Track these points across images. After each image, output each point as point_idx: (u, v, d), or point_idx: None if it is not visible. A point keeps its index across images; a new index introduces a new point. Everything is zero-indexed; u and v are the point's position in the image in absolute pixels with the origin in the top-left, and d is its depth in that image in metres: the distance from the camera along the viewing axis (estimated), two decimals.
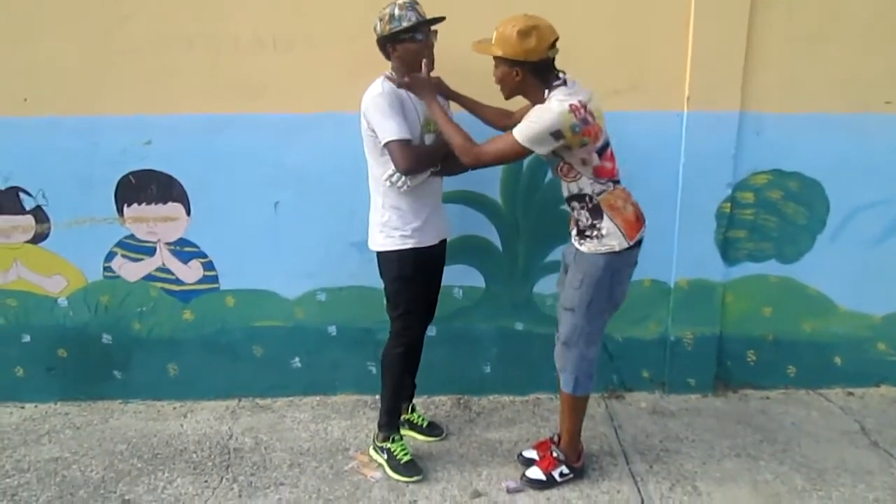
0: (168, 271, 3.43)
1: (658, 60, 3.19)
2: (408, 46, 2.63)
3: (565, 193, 2.63)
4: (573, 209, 2.63)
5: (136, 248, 3.40)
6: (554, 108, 2.38)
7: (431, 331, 3.36)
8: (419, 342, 2.98)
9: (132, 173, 3.29)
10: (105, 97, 3.20)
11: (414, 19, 2.58)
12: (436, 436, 3.21)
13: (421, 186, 2.73)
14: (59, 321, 3.49)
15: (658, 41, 3.17)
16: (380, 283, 2.89)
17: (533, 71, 2.44)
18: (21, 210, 3.34)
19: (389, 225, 2.75)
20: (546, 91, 2.46)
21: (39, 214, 3.35)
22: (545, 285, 3.45)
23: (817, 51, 3.21)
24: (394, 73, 2.71)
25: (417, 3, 2.63)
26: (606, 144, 2.53)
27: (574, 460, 2.86)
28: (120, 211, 3.35)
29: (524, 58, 2.41)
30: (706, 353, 3.53)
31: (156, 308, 3.48)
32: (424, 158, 2.67)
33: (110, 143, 3.25)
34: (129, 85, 3.19)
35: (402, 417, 3.17)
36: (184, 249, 3.40)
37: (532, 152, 2.46)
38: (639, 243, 2.63)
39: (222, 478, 2.94)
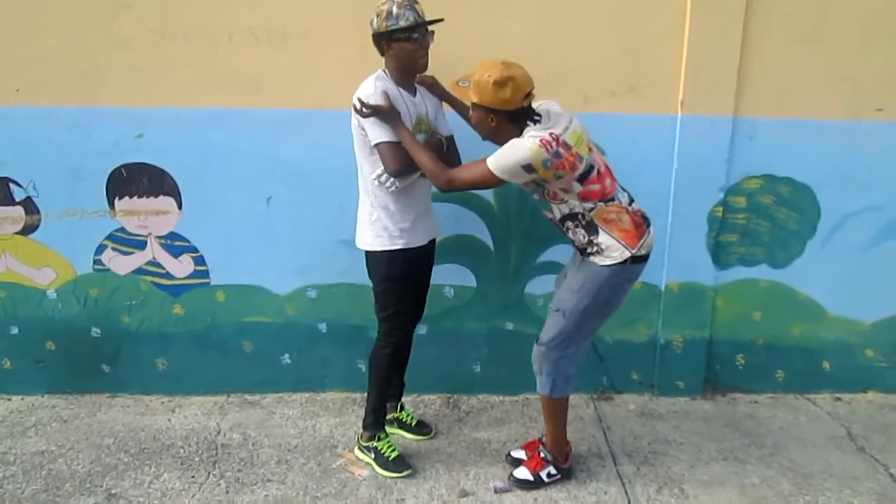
0: (158, 265, 3.42)
1: (653, 64, 3.19)
2: (404, 46, 2.60)
3: (557, 216, 2.59)
4: (567, 230, 2.60)
5: (127, 242, 3.39)
6: (526, 143, 2.37)
7: (422, 329, 3.37)
8: (407, 342, 2.97)
9: (124, 166, 3.28)
10: (98, 89, 3.18)
11: (412, 19, 2.55)
12: (424, 434, 3.20)
13: (411, 187, 2.71)
14: (48, 313, 3.47)
15: (654, 44, 3.18)
16: (370, 281, 2.88)
17: (507, 118, 2.44)
18: (11, 201, 3.32)
19: (379, 224, 2.73)
20: (520, 133, 2.45)
21: (29, 206, 3.33)
22: (537, 286, 3.45)
23: (811, 57, 3.23)
24: (387, 72, 2.69)
25: (416, 2, 2.60)
26: (590, 169, 2.48)
27: (562, 461, 2.87)
28: (111, 204, 3.33)
29: (499, 107, 2.41)
30: (696, 357, 3.54)
31: (145, 302, 3.47)
32: (413, 161, 2.61)
33: (102, 136, 3.23)
34: (123, 77, 3.17)
35: (391, 415, 3.18)
36: (175, 243, 3.39)
37: (506, 182, 2.46)
38: (645, 258, 2.60)
39: (209, 473, 2.93)
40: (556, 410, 2.79)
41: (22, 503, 2.74)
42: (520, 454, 2.98)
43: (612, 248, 2.53)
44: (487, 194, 3.33)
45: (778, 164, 3.35)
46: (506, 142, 2.44)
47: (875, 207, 3.41)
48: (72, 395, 3.56)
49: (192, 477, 2.90)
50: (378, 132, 2.56)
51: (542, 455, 2.86)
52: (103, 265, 3.41)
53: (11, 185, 3.31)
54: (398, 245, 2.74)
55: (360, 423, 3.04)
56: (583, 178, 2.46)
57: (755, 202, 3.40)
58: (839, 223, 3.43)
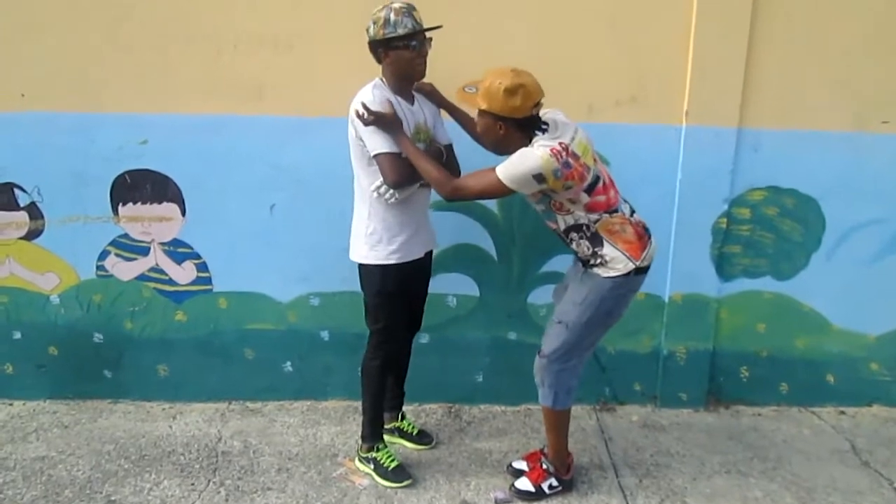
0: (161, 271, 3.42)
1: (658, 74, 3.19)
2: (401, 54, 2.56)
3: (561, 227, 2.57)
4: (571, 241, 2.58)
5: (130, 248, 3.39)
6: (536, 152, 2.35)
7: (424, 338, 3.36)
8: (398, 353, 2.95)
9: (128, 172, 3.29)
10: (102, 94, 3.20)
11: (410, 26, 2.52)
12: (425, 444, 3.19)
13: (409, 198, 2.67)
14: (51, 319, 3.47)
15: (658, 55, 3.17)
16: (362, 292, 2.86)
17: (516, 126, 2.42)
18: (15, 206, 3.33)
19: (374, 237, 2.68)
20: (528, 142, 2.43)
21: (34, 211, 3.34)
22: (539, 295, 3.44)
23: (816, 68, 3.22)
24: (384, 80, 2.66)
25: (414, 9, 2.57)
26: (597, 179, 2.47)
27: (563, 472, 2.85)
28: (115, 210, 3.33)
29: (509, 115, 2.39)
30: (699, 368, 3.53)
31: (148, 308, 3.47)
32: (414, 172, 2.57)
33: (106, 141, 3.24)
34: (127, 83, 3.18)
35: (392, 425, 3.17)
36: (178, 250, 3.39)
37: (514, 192, 2.44)
38: (647, 269, 2.60)
39: (209, 481, 2.92)
40: (558, 422, 2.78)
41: None
42: (521, 465, 2.96)
43: (616, 260, 2.52)
44: (491, 203, 3.32)
45: (782, 175, 3.34)
46: (513, 151, 2.42)
47: (880, 220, 3.40)
48: (73, 401, 3.56)
49: (192, 484, 2.89)
50: (377, 143, 2.53)
51: (543, 466, 2.84)
52: (106, 271, 3.42)
53: (16, 190, 3.32)
54: (393, 259, 2.69)
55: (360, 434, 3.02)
56: (590, 189, 2.46)
57: (759, 214, 3.39)
58: (844, 235, 3.42)
